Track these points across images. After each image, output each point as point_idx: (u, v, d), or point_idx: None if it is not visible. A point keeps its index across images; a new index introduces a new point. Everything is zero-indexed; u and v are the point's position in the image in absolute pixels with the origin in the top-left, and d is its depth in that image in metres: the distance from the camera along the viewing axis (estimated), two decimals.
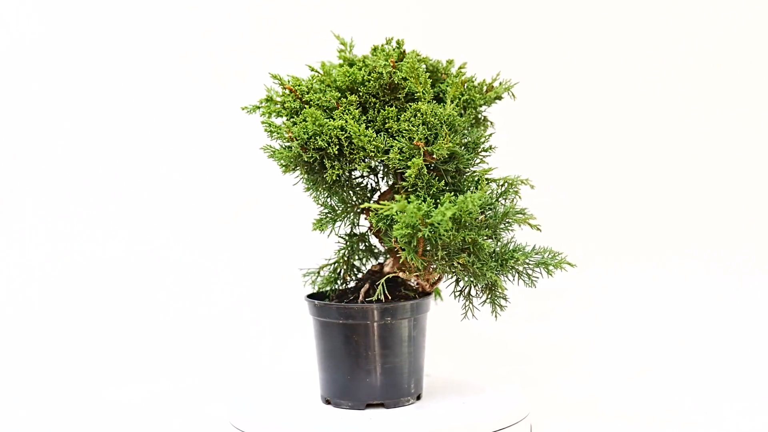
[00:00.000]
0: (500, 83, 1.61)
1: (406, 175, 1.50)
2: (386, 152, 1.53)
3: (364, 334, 1.57)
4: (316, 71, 1.61)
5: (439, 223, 1.41)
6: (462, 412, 1.57)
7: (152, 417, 1.80)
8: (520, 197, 1.58)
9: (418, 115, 1.51)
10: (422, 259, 1.48)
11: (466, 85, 1.60)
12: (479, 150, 1.57)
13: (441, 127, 1.51)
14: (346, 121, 1.51)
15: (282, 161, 1.55)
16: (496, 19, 2.43)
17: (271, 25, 2.41)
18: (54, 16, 2.36)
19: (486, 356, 2.12)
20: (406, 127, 1.51)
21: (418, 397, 1.63)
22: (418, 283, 1.61)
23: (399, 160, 1.51)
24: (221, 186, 2.37)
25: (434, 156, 1.51)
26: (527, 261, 1.53)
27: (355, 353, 1.58)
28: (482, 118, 1.64)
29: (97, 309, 2.25)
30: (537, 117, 2.39)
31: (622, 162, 2.43)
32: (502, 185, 1.57)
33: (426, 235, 1.42)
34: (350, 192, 1.63)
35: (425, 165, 1.51)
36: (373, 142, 1.51)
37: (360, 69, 1.57)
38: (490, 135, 1.60)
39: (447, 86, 1.59)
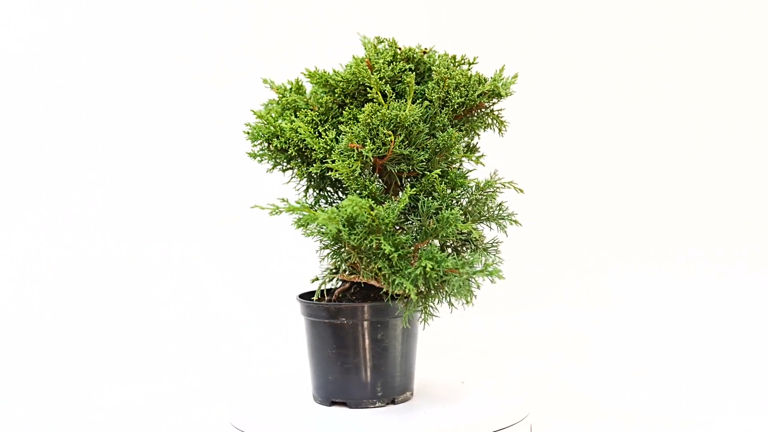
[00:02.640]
0: (493, 79, 1.55)
1: (329, 174, 1.51)
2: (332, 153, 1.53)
3: (329, 333, 1.57)
4: (311, 73, 1.61)
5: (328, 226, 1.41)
6: (438, 418, 1.54)
7: (153, 417, 1.80)
8: (494, 200, 1.55)
9: (361, 115, 1.49)
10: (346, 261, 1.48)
11: (446, 82, 1.52)
12: (441, 152, 1.52)
13: (381, 127, 1.47)
14: (298, 124, 1.53)
15: (263, 161, 1.58)
16: (496, 19, 2.43)
17: (272, 25, 2.41)
18: (53, 16, 2.36)
19: (485, 356, 2.12)
20: (345, 129, 1.49)
21: (393, 401, 1.60)
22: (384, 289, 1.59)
23: (341, 161, 1.49)
24: (220, 188, 2.37)
25: (366, 157, 1.48)
26: (462, 270, 1.43)
27: (324, 351, 1.58)
28: (473, 118, 1.59)
29: (96, 310, 2.25)
30: (536, 117, 2.39)
31: (623, 162, 2.43)
32: (484, 188, 1.54)
33: (330, 237, 1.43)
34: (340, 191, 1.63)
35: (362, 166, 1.49)
36: (320, 144, 1.51)
37: (332, 71, 1.58)
38: (463, 136, 1.56)
39: (424, 85, 1.56)
